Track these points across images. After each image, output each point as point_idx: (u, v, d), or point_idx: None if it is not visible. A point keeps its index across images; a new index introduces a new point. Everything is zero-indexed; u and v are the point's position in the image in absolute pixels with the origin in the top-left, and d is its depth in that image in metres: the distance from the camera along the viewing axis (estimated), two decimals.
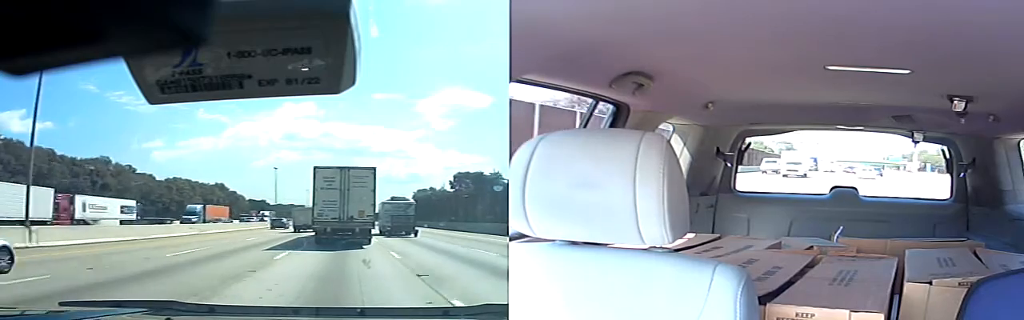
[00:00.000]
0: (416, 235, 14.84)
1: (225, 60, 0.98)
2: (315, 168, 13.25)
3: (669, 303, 1.40)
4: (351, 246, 12.22)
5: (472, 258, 10.88)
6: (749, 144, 5.91)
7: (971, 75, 3.24)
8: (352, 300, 6.96)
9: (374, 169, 13.41)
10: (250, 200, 17.72)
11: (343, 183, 12.93)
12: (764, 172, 14.29)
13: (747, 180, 6.22)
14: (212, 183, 17.08)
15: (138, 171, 15.73)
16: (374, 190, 13.15)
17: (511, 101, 4.39)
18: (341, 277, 8.93)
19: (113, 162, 15.39)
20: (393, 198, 15.32)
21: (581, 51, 2.79)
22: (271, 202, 17.57)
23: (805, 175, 15.21)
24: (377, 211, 14.22)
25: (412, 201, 15.76)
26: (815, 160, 16.09)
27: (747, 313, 1.38)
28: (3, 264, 9.02)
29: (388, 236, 14.32)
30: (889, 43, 2.69)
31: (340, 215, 12.87)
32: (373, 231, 13.52)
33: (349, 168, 13.18)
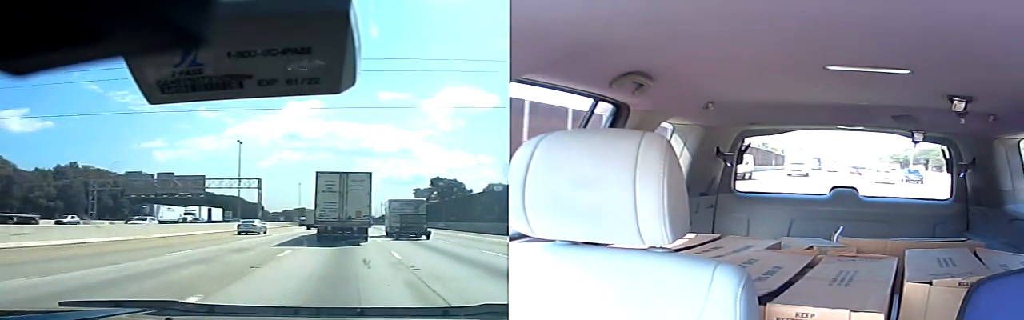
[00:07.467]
0: (429, 237, 14.23)
1: (225, 60, 0.98)
2: (317, 173, 14.21)
3: (669, 303, 1.40)
4: (350, 243, 13.12)
5: (474, 258, 10.86)
6: (749, 144, 5.92)
7: (971, 75, 3.23)
8: (351, 295, 7.11)
9: (370, 174, 14.34)
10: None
11: (342, 186, 13.90)
12: None
13: None
14: (220, 183, 17.09)
15: (140, 172, 15.74)
16: (370, 193, 14.09)
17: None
18: (341, 274, 9.35)
19: (114, 163, 15.42)
20: (415, 195, 15.74)
21: (581, 51, 2.79)
22: (297, 204, 17.89)
23: (807, 175, 14.91)
24: (384, 212, 14.99)
25: (423, 199, 15.64)
26: (818, 160, 15.73)
27: (747, 313, 1.38)
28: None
29: (396, 239, 13.86)
30: (889, 43, 2.69)
31: (339, 215, 13.83)
32: (372, 231, 14.06)
33: (348, 173, 14.16)
